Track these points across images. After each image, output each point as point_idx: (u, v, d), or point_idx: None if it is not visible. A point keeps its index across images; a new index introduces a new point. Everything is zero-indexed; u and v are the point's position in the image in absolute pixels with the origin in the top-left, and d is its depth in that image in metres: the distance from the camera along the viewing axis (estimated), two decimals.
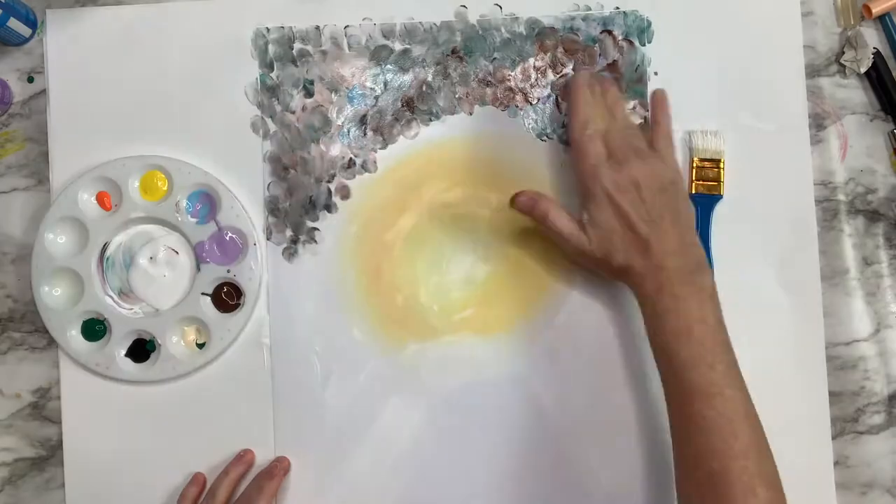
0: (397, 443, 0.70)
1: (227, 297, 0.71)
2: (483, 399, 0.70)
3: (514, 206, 0.66)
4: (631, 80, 0.71)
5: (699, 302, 0.60)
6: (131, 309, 0.71)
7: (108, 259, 0.71)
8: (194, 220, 0.71)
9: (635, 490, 0.68)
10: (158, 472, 0.70)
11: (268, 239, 0.71)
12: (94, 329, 0.71)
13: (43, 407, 0.71)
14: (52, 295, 0.71)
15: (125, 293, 0.71)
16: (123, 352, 0.71)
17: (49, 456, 0.71)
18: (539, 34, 0.72)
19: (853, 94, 0.72)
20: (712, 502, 0.57)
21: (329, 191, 0.71)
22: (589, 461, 0.69)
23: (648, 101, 0.70)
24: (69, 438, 0.71)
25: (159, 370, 0.70)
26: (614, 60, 0.71)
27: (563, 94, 0.71)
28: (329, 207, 0.71)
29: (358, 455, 0.70)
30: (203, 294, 0.70)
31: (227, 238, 0.71)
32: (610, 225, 0.63)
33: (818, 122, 0.72)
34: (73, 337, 0.70)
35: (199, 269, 0.71)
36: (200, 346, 0.71)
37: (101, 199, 0.71)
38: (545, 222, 0.65)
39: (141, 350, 0.71)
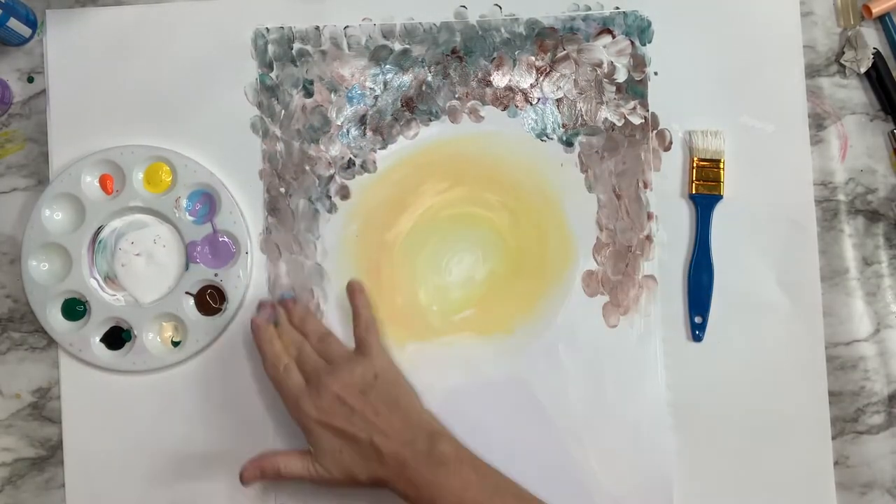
0: None
1: (211, 300, 0.71)
2: (482, 399, 0.70)
3: (244, 482, 0.64)
4: (631, 79, 0.72)
5: (453, 474, 0.61)
6: (114, 295, 0.71)
7: (100, 242, 0.71)
8: (192, 218, 0.71)
9: (635, 490, 0.68)
10: (159, 472, 0.70)
11: (268, 233, 0.71)
12: (75, 309, 0.71)
13: (43, 407, 0.71)
14: (39, 269, 0.71)
15: (111, 279, 0.72)
16: (99, 337, 0.71)
17: (49, 456, 0.71)
18: (539, 34, 0.72)
19: (853, 94, 0.72)
20: None
21: (329, 191, 0.71)
22: (588, 461, 0.69)
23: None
24: (69, 438, 0.71)
25: (130, 361, 0.70)
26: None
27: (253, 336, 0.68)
28: (329, 208, 0.71)
29: None
30: (187, 293, 0.71)
31: (221, 241, 0.71)
32: (333, 447, 0.62)
33: (818, 122, 0.72)
34: (52, 314, 0.71)
35: (187, 267, 0.71)
36: (175, 343, 0.71)
37: (103, 181, 0.72)
38: (280, 476, 0.64)
39: (116, 338, 0.71)
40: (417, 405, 0.65)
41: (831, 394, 0.70)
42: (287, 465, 0.64)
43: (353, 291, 0.68)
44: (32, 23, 0.72)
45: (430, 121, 0.72)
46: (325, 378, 0.63)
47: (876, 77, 0.72)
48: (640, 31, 0.72)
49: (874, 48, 0.72)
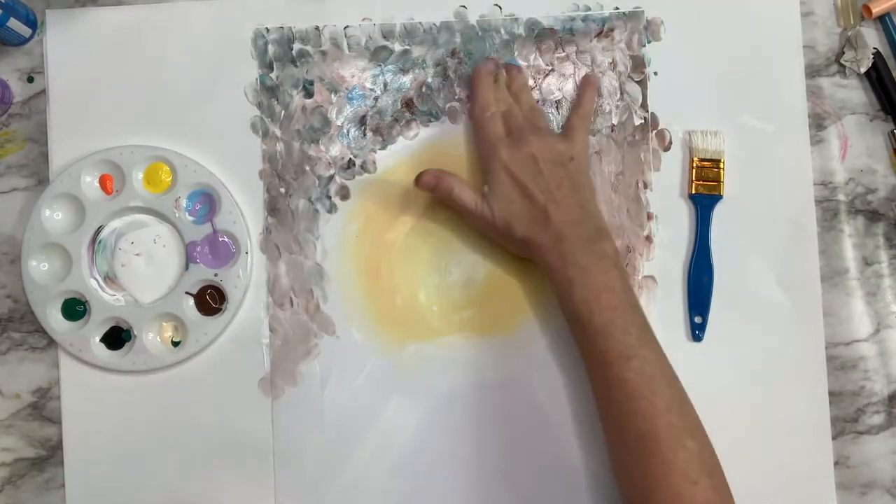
0: (396, 443, 0.70)
1: (211, 300, 0.71)
2: (482, 400, 0.70)
3: (419, 185, 0.68)
4: (630, 79, 0.72)
5: (603, 270, 0.62)
6: (114, 295, 0.71)
7: (100, 242, 0.71)
8: (191, 218, 0.71)
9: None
10: (159, 472, 0.70)
11: (268, 233, 0.71)
12: (75, 309, 0.71)
13: (43, 407, 0.71)
14: (39, 269, 0.71)
15: (111, 279, 0.72)
16: (98, 337, 0.71)
17: (49, 456, 0.71)
18: (539, 35, 0.72)
19: (853, 94, 0.72)
20: (644, 460, 0.58)
21: (329, 191, 0.71)
22: (588, 461, 0.69)
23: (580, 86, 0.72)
24: (69, 438, 0.71)
25: (130, 361, 0.70)
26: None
27: (468, 83, 0.72)
28: (329, 208, 0.71)
29: (357, 455, 0.70)
30: (187, 293, 0.71)
31: (221, 241, 0.71)
32: (509, 196, 0.65)
33: (818, 122, 0.72)
34: (52, 314, 0.71)
35: (187, 267, 0.71)
36: (175, 343, 0.71)
37: (103, 181, 0.72)
38: (450, 197, 0.67)
39: (116, 338, 0.71)
40: (595, 202, 0.67)
41: (831, 394, 0.70)
42: (460, 190, 0.67)
43: (588, 85, 0.71)
44: (32, 23, 0.72)
45: (430, 122, 0.72)
46: (528, 135, 0.66)
47: (876, 77, 0.72)
48: (640, 31, 0.72)
49: (874, 48, 0.72)
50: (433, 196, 0.69)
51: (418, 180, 0.68)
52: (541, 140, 0.66)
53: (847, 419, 0.70)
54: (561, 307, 0.64)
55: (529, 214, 0.65)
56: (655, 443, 0.58)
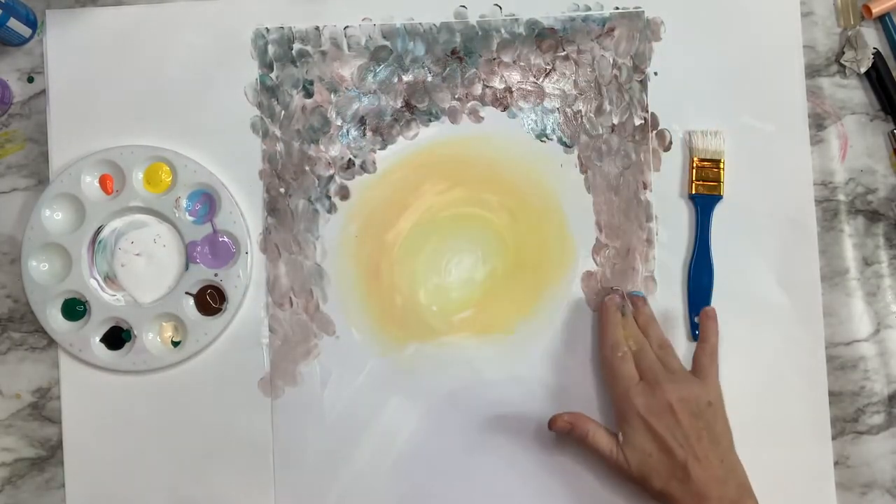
0: (397, 443, 0.70)
1: (211, 300, 0.71)
2: (482, 399, 0.70)
3: (553, 429, 0.66)
4: (630, 79, 0.72)
5: None
6: (114, 296, 0.71)
7: (100, 242, 0.71)
8: (191, 218, 0.71)
9: (635, 489, 0.68)
10: (159, 472, 0.71)
11: (268, 233, 0.71)
12: (75, 309, 0.71)
13: (43, 407, 0.71)
14: (39, 269, 0.71)
15: (111, 279, 0.72)
16: (99, 337, 0.71)
17: (49, 456, 0.71)
18: (539, 35, 0.72)
19: (853, 94, 0.72)
20: None
21: (328, 191, 0.71)
22: (588, 461, 0.69)
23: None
24: (69, 438, 0.71)
25: (131, 361, 0.70)
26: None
27: (599, 315, 0.70)
28: (328, 208, 0.71)
29: (357, 455, 0.70)
30: (187, 293, 0.71)
31: (221, 241, 0.71)
32: (646, 448, 0.63)
33: (818, 122, 0.72)
34: (52, 314, 0.71)
35: (187, 267, 0.71)
36: (175, 343, 0.71)
37: (103, 181, 0.72)
38: (585, 441, 0.65)
39: (116, 338, 0.71)
40: (734, 451, 0.64)
41: (831, 394, 0.70)
42: (595, 436, 0.65)
43: (708, 318, 0.67)
44: (32, 23, 0.72)
45: (430, 121, 0.72)
46: (664, 382, 0.63)
47: (876, 77, 0.71)
48: (640, 31, 0.72)
49: (874, 48, 0.72)
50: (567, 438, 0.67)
51: (552, 424, 0.66)
52: (676, 386, 0.63)
53: (847, 419, 0.70)
54: None
55: (668, 469, 0.62)
56: None
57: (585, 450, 0.66)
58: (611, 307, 0.68)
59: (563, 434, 0.66)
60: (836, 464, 0.69)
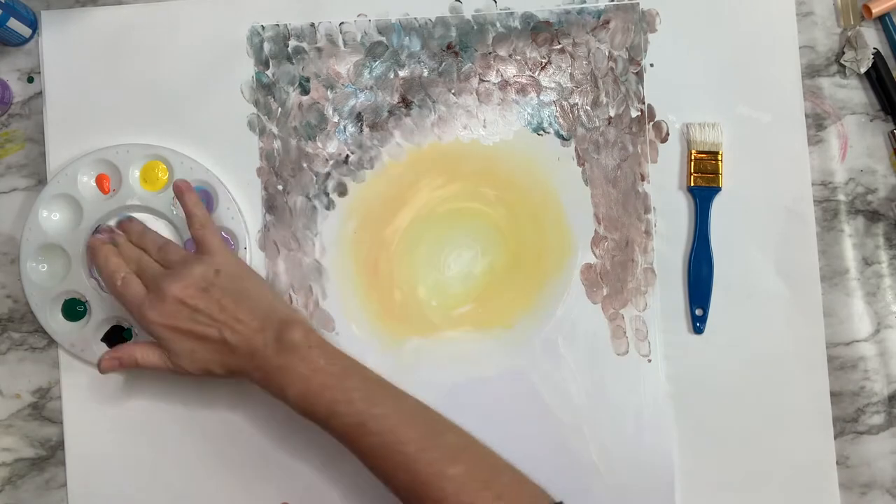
0: None
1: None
2: (483, 394, 0.70)
3: (104, 371, 0.65)
4: (626, 71, 0.72)
5: (301, 358, 0.61)
6: None
7: None
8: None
9: (636, 482, 0.68)
10: (159, 472, 0.70)
11: (266, 231, 0.71)
12: (75, 309, 0.71)
13: (43, 407, 0.72)
14: (38, 270, 0.71)
15: None
16: (100, 336, 0.71)
17: (49, 456, 0.71)
18: (534, 28, 0.72)
19: (853, 94, 0.72)
20: None
21: (326, 188, 0.71)
22: (589, 454, 0.69)
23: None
24: (69, 438, 0.71)
25: None
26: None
27: (90, 260, 0.70)
28: (326, 205, 0.71)
29: None
30: None
31: None
32: (186, 348, 0.63)
33: (818, 123, 0.72)
34: (52, 315, 0.71)
35: None
36: None
37: (100, 181, 0.72)
38: (138, 366, 0.65)
39: (118, 337, 0.71)
40: (268, 295, 0.65)
41: (831, 394, 0.69)
42: (144, 356, 0.64)
43: (182, 191, 0.67)
44: (32, 23, 0.73)
45: (427, 116, 0.72)
46: (162, 283, 0.63)
47: (876, 77, 0.71)
48: (635, 23, 0.72)
49: (874, 48, 0.71)
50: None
51: (101, 368, 0.65)
52: (176, 279, 0.63)
53: (847, 419, 0.70)
54: (298, 411, 0.62)
55: (214, 351, 0.63)
56: (423, 487, 0.58)
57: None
58: (95, 243, 0.67)
59: (114, 371, 0.65)
60: (836, 464, 0.69)
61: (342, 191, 0.72)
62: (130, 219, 0.70)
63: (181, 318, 0.62)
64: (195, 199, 0.67)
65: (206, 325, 0.62)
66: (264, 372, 0.61)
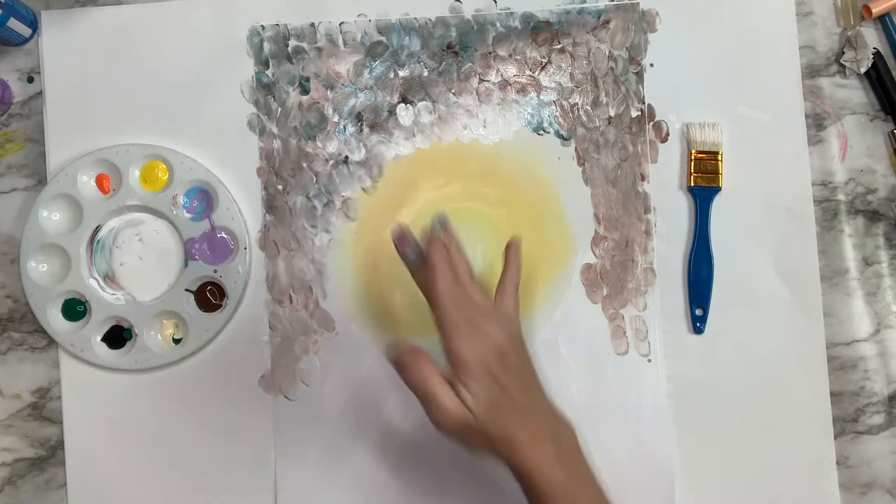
0: (397, 439, 0.70)
1: (211, 297, 0.71)
2: None
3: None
4: (626, 71, 0.72)
5: (560, 456, 0.58)
6: (114, 295, 0.71)
7: (98, 242, 0.72)
8: (189, 215, 0.71)
9: (636, 481, 0.68)
10: (159, 471, 0.70)
11: (266, 231, 0.71)
12: (75, 309, 0.71)
13: (43, 407, 0.72)
14: (39, 270, 0.71)
15: (110, 278, 0.72)
16: (100, 336, 0.71)
17: (49, 456, 0.71)
18: (534, 28, 0.72)
19: (853, 94, 0.72)
20: None
21: (326, 188, 0.71)
22: (589, 453, 0.68)
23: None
24: (69, 438, 0.71)
25: (132, 359, 0.70)
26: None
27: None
28: (326, 204, 0.71)
29: (358, 451, 0.70)
30: (187, 290, 0.71)
31: (219, 238, 0.71)
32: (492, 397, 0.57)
33: (818, 122, 0.72)
34: (52, 315, 0.71)
35: (186, 265, 0.71)
36: (177, 341, 0.71)
37: (100, 181, 0.72)
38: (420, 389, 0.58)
39: (118, 337, 0.71)
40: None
41: (831, 394, 0.69)
42: (443, 391, 0.57)
43: (510, 251, 0.64)
44: (32, 23, 0.73)
45: (427, 116, 0.72)
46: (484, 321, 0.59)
47: (876, 77, 0.71)
48: (635, 23, 0.72)
49: (874, 48, 0.71)
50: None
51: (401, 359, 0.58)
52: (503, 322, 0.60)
53: (847, 419, 0.70)
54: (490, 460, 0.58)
55: (509, 410, 0.58)
56: None
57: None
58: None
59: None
60: (836, 464, 0.69)
61: (342, 191, 0.72)
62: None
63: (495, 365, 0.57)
64: (517, 263, 0.63)
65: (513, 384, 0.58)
66: (545, 463, 0.57)
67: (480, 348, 0.57)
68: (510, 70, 0.72)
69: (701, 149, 0.70)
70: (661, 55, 0.71)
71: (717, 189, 0.70)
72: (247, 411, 0.70)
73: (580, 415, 0.69)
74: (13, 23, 0.70)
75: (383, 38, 0.72)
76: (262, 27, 0.72)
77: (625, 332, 0.70)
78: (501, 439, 0.57)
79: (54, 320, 0.71)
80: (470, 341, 0.57)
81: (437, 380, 0.56)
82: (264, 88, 0.72)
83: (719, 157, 0.70)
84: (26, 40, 0.73)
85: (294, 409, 0.70)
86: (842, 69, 0.72)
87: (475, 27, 0.72)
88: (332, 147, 0.72)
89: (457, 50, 0.72)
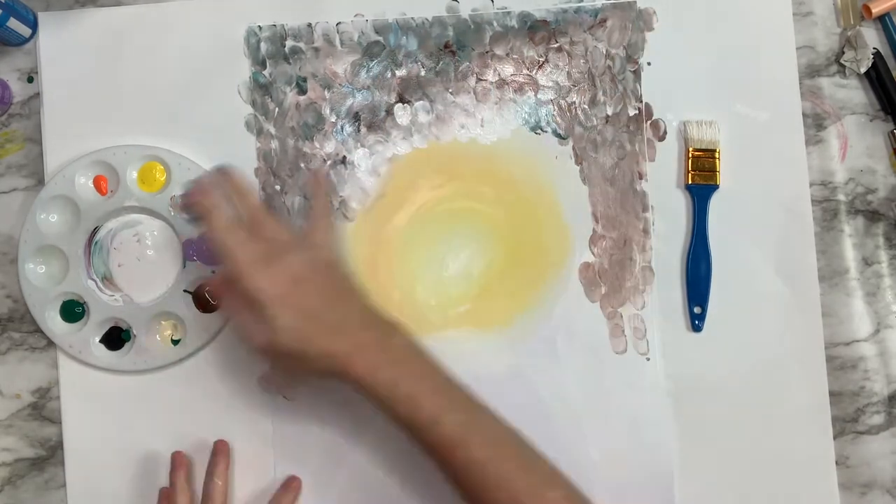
0: (396, 438, 0.69)
1: (209, 297, 0.71)
2: (481, 393, 0.68)
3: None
4: (624, 69, 0.72)
5: (412, 359, 0.61)
6: (112, 296, 0.71)
7: (96, 243, 0.72)
8: (187, 216, 0.71)
9: (635, 480, 0.67)
10: (159, 471, 0.70)
11: None
12: (74, 311, 0.71)
13: (43, 407, 0.72)
14: (37, 272, 0.71)
15: (108, 279, 0.72)
16: (98, 337, 0.71)
17: (49, 456, 0.71)
18: (531, 27, 0.72)
19: (853, 94, 0.72)
20: None
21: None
22: (588, 452, 0.68)
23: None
24: (69, 438, 0.71)
25: (131, 361, 0.70)
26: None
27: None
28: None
29: (357, 451, 0.70)
30: (185, 291, 0.71)
31: None
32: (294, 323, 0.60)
33: (818, 122, 0.72)
34: (50, 316, 0.71)
35: (184, 265, 0.71)
36: (175, 342, 0.71)
37: (97, 182, 0.72)
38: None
39: (116, 338, 0.71)
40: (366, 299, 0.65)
41: (831, 394, 0.69)
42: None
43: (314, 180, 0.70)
44: (32, 23, 0.73)
45: (424, 116, 0.72)
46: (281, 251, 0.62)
47: (876, 77, 0.71)
48: (632, 21, 0.72)
49: (874, 48, 0.71)
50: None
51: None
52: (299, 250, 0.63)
53: (847, 419, 0.69)
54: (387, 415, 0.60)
55: (322, 332, 0.61)
56: None
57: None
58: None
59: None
60: (836, 464, 0.69)
61: (340, 191, 0.72)
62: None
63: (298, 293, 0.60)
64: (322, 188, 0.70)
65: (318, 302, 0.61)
66: (372, 367, 0.59)
67: (277, 280, 0.60)
68: (507, 69, 0.72)
69: (698, 146, 0.70)
70: (659, 54, 0.71)
71: (715, 187, 0.70)
72: (246, 412, 0.70)
73: (579, 413, 0.69)
74: (13, 23, 0.70)
75: (380, 38, 0.72)
76: (259, 28, 0.72)
77: (623, 331, 0.70)
78: (320, 357, 0.60)
79: (53, 322, 0.71)
80: (265, 277, 0.60)
81: (245, 315, 0.60)
82: (261, 89, 0.72)
83: (717, 155, 0.70)
84: (26, 40, 0.73)
85: (293, 409, 0.70)
86: (842, 69, 0.72)
87: (472, 27, 0.72)
88: (329, 147, 0.72)
89: (454, 49, 0.72)
